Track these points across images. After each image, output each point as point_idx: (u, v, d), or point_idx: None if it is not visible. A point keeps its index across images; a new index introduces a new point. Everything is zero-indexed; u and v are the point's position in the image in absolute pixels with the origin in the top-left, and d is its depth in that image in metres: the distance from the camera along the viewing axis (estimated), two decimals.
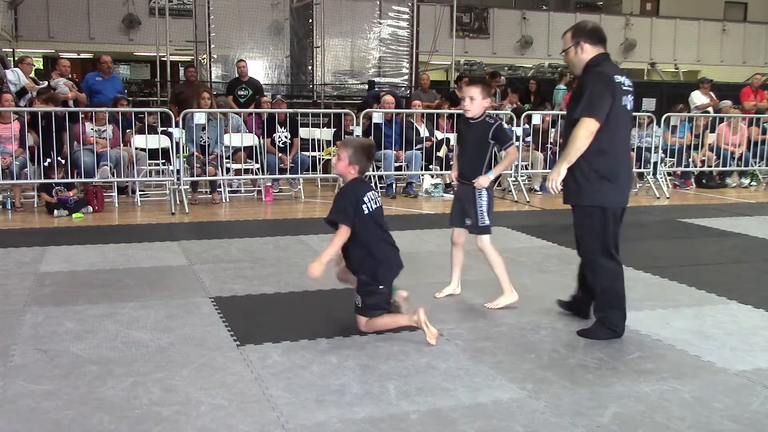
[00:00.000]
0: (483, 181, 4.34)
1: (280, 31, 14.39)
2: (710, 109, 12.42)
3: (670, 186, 10.73)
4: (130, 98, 12.02)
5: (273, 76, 14.30)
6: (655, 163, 10.23)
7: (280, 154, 9.31)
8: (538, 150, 10.26)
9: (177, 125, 8.27)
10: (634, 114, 10.78)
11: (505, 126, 7.24)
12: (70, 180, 8.15)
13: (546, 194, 10.15)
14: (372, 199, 3.84)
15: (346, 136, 9.69)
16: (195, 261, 5.61)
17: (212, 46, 13.65)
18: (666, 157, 10.78)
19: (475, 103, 4.34)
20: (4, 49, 14.34)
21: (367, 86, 14.23)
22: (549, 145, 10.29)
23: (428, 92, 12.71)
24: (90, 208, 7.91)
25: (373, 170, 9.21)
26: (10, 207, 8.03)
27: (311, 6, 13.60)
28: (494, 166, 4.46)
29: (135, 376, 3.27)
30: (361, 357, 3.57)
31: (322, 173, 9.97)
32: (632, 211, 8.81)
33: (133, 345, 3.70)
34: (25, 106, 8.96)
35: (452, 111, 10.30)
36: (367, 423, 2.85)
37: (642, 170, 10.40)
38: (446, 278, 4.79)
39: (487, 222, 4.42)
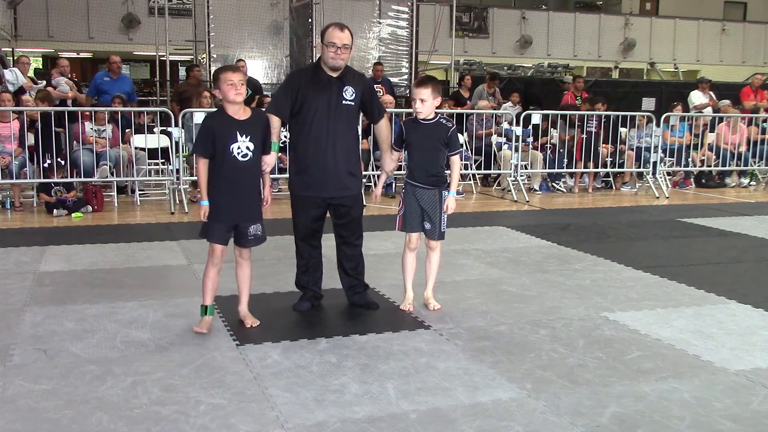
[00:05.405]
0: (453, 204, 4.30)
1: (280, 31, 14.39)
2: (709, 108, 12.41)
3: (670, 186, 10.72)
4: None
5: (273, 76, 14.29)
6: (655, 163, 10.23)
7: (279, 154, 9.30)
8: (537, 150, 10.26)
9: (177, 125, 8.27)
10: (633, 114, 10.91)
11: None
12: (69, 180, 8.15)
13: (546, 194, 10.16)
14: None
15: None
16: (194, 260, 5.60)
17: (212, 45, 13.65)
18: (665, 156, 10.78)
19: (426, 104, 4.23)
20: (3, 49, 14.35)
21: None
22: (548, 145, 10.30)
23: None
24: (89, 208, 7.91)
25: (373, 169, 9.21)
26: (9, 207, 8.03)
27: (311, 5, 13.59)
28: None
29: (134, 376, 3.27)
30: (361, 357, 3.57)
31: None
32: (632, 210, 8.88)
33: (133, 344, 3.70)
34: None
35: (455, 110, 10.33)
36: (366, 423, 2.85)
37: (642, 170, 10.41)
38: (443, 277, 4.78)
39: (445, 228, 4.41)
